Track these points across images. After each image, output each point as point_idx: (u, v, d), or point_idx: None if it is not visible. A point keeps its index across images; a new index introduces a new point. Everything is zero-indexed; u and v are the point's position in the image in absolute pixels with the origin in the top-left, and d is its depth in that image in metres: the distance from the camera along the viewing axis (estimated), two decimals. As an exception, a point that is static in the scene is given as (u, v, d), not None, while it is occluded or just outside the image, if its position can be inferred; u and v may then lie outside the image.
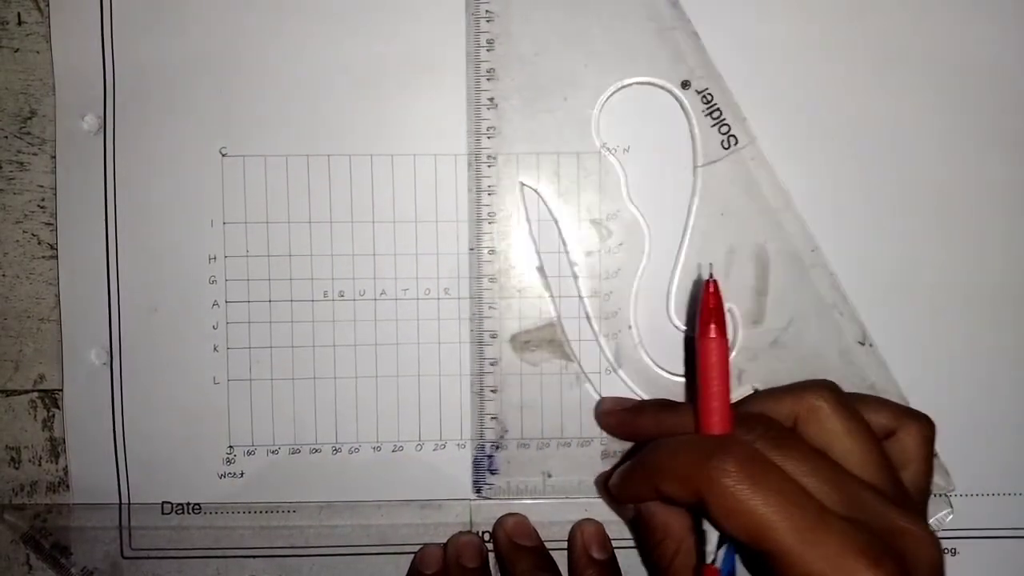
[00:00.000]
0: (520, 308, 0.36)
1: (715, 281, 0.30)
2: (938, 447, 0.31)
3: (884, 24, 0.35)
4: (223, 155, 0.35)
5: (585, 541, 0.35)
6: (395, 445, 0.36)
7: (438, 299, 0.36)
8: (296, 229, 0.36)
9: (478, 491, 0.36)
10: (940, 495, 0.35)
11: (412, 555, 0.36)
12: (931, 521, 0.35)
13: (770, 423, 0.29)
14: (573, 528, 0.36)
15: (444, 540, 0.36)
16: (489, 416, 0.36)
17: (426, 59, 0.35)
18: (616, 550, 0.36)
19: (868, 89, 0.36)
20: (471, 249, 0.36)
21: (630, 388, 0.36)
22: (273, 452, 0.36)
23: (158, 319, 0.36)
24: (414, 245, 0.36)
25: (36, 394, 0.36)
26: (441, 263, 0.36)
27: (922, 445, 0.30)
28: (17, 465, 0.36)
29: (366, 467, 0.36)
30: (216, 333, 0.36)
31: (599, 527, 0.36)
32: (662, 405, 0.34)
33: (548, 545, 0.36)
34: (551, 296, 0.36)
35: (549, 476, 0.36)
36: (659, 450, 0.29)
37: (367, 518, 0.36)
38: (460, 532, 0.36)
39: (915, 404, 0.35)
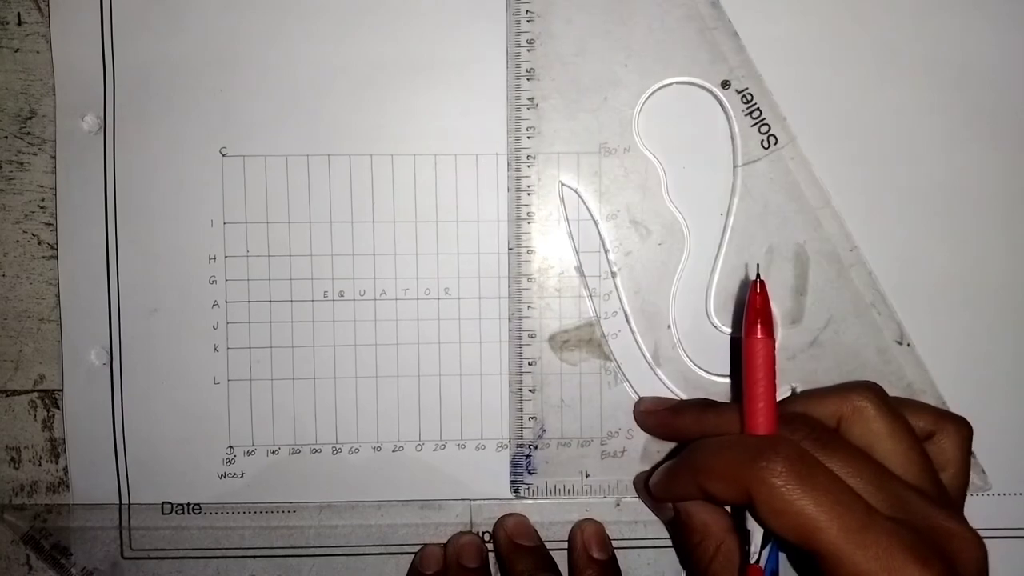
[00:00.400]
0: (559, 308, 0.36)
1: (762, 281, 0.30)
2: (975, 447, 0.31)
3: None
4: (223, 155, 0.35)
5: (585, 541, 0.35)
6: (395, 445, 0.36)
7: (438, 299, 0.36)
8: (296, 229, 0.36)
9: (516, 491, 0.36)
10: (977, 495, 0.36)
11: (412, 555, 0.36)
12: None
13: (814, 423, 0.29)
14: (573, 528, 0.36)
15: (444, 540, 0.36)
16: (527, 416, 0.36)
17: (429, 58, 0.35)
18: (617, 550, 0.36)
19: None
20: (510, 248, 0.36)
21: (669, 388, 0.36)
22: (273, 452, 0.36)
23: (158, 319, 0.36)
24: (414, 245, 0.36)
25: (36, 394, 0.36)
26: (441, 263, 0.36)
27: (960, 447, 0.31)
28: (17, 465, 0.36)
29: (366, 467, 0.36)
30: (216, 333, 0.36)
31: (599, 527, 0.36)
32: (704, 405, 0.33)
33: (548, 545, 0.36)
34: (590, 296, 0.36)
35: (587, 476, 0.36)
36: (705, 449, 0.29)
37: (367, 518, 0.36)
38: (460, 532, 0.36)
39: (952, 404, 0.35)
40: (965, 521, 0.27)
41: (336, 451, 0.36)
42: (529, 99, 0.35)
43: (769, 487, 0.26)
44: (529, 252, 0.35)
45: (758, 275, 0.30)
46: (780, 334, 0.35)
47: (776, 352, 0.30)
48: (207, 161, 0.35)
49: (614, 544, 0.36)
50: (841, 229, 0.35)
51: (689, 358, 0.36)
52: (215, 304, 0.36)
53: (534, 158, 0.35)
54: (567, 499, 0.36)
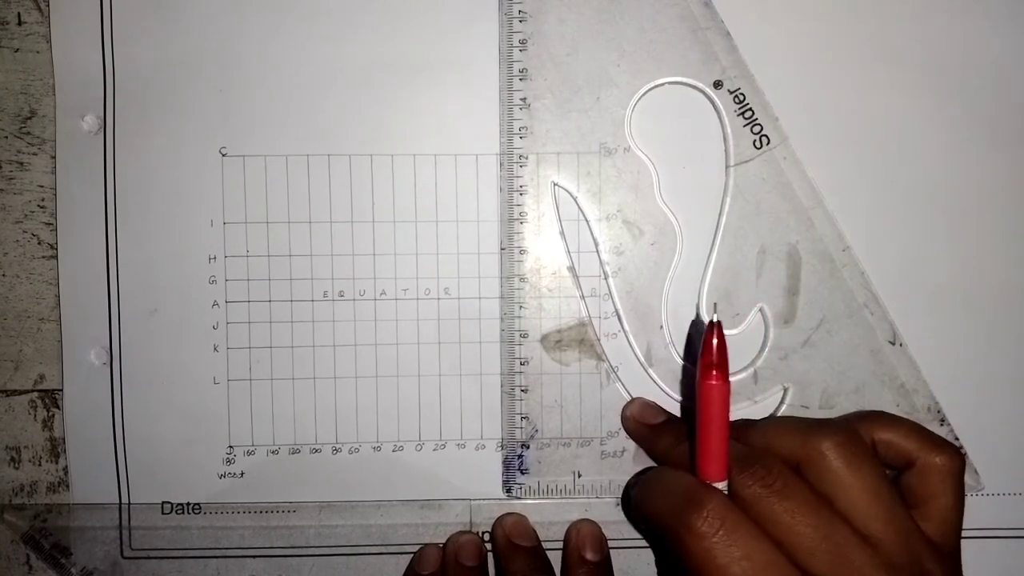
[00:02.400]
0: (551, 308, 0.36)
1: (719, 323, 0.29)
2: (968, 447, 0.31)
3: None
4: (223, 155, 0.35)
5: (579, 541, 0.35)
6: (395, 445, 0.36)
7: (438, 299, 0.36)
8: (296, 229, 0.36)
9: (508, 491, 0.36)
10: (971, 495, 0.36)
11: (412, 555, 0.36)
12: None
13: (772, 466, 0.28)
14: (569, 528, 0.36)
15: (444, 540, 0.36)
16: (520, 416, 0.36)
17: (429, 58, 0.35)
18: (616, 550, 0.36)
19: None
20: (503, 248, 0.36)
21: (661, 388, 0.36)
22: (273, 452, 0.36)
23: (158, 319, 0.36)
24: (414, 245, 0.36)
25: (36, 394, 0.36)
26: (441, 263, 0.36)
27: (944, 480, 0.30)
28: (17, 465, 0.36)
29: (366, 467, 0.36)
30: (216, 333, 0.36)
31: (595, 528, 0.36)
32: (678, 435, 0.33)
33: (547, 545, 0.36)
34: (582, 296, 0.36)
35: (579, 476, 0.36)
36: (648, 486, 0.29)
37: (367, 518, 0.36)
38: (460, 532, 0.36)
39: (945, 404, 0.35)
40: None
41: (336, 451, 0.36)
42: (521, 99, 0.35)
43: (689, 543, 0.26)
44: (521, 252, 0.36)
45: (716, 318, 0.29)
46: (771, 334, 0.35)
47: (730, 397, 0.29)
48: (207, 161, 0.35)
49: (614, 544, 0.36)
50: (834, 229, 0.35)
51: (681, 358, 0.36)
52: (215, 304, 0.36)
53: (526, 158, 0.35)
54: (566, 499, 0.36)
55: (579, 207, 0.36)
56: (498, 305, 0.36)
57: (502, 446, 0.36)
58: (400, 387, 0.36)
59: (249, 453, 0.36)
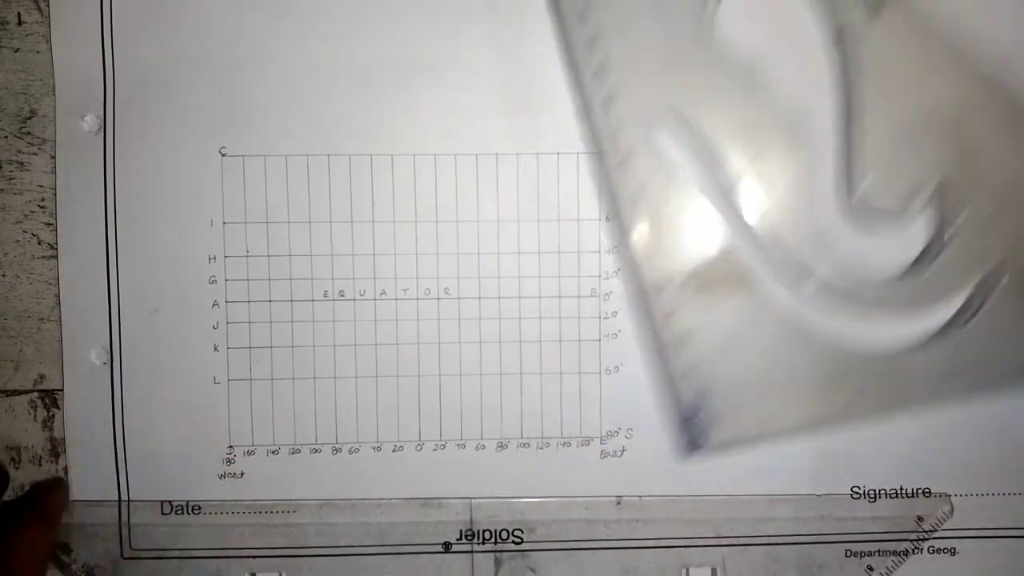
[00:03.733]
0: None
1: None
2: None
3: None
4: (223, 155, 0.35)
5: None
6: (395, 445, 0.36)
7: (438, 299, 0.36)
8: (296, 229, 0.36)
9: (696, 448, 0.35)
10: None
11: (412, 554, 0.36)
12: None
13: None
14: None
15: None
16: (683, 373, 0.35)
17: (429, 58, 0.35)
18: (616, 550, 0.36)
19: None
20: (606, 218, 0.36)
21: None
22: (273, 452, 0.36)
23: (158, 319, 0.36)
24: (414, 245, 0.36)
25: (36, 394, 0.36)
26: (441, 263, 0.36)
27: None
28: (17, 465, 0.36)
29: (366, 467, 0.36)
30: (216, 333, 0.36)
31: None
32: None
33: (548, 544, 0.36)
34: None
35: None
36: None
37: (367, 516, 0.36)
38: None
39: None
40: None
41: (336, 451, 0.36)
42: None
43: None
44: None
45: None
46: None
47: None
48: (207, 161, 0.35)
49: (614, 543, 0.36)
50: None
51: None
52: (215, 304, 0.36)
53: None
54: (567, 498, 0.36)
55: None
56: (498, 305, 0.36)
57: (678, 406, 0.35)
58: (400, 387, 0.36)
59: (249, 453, 0.36)
